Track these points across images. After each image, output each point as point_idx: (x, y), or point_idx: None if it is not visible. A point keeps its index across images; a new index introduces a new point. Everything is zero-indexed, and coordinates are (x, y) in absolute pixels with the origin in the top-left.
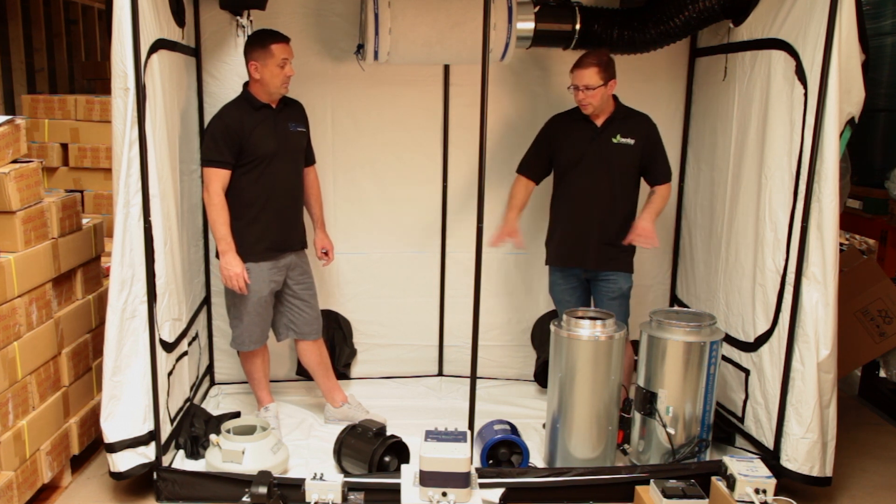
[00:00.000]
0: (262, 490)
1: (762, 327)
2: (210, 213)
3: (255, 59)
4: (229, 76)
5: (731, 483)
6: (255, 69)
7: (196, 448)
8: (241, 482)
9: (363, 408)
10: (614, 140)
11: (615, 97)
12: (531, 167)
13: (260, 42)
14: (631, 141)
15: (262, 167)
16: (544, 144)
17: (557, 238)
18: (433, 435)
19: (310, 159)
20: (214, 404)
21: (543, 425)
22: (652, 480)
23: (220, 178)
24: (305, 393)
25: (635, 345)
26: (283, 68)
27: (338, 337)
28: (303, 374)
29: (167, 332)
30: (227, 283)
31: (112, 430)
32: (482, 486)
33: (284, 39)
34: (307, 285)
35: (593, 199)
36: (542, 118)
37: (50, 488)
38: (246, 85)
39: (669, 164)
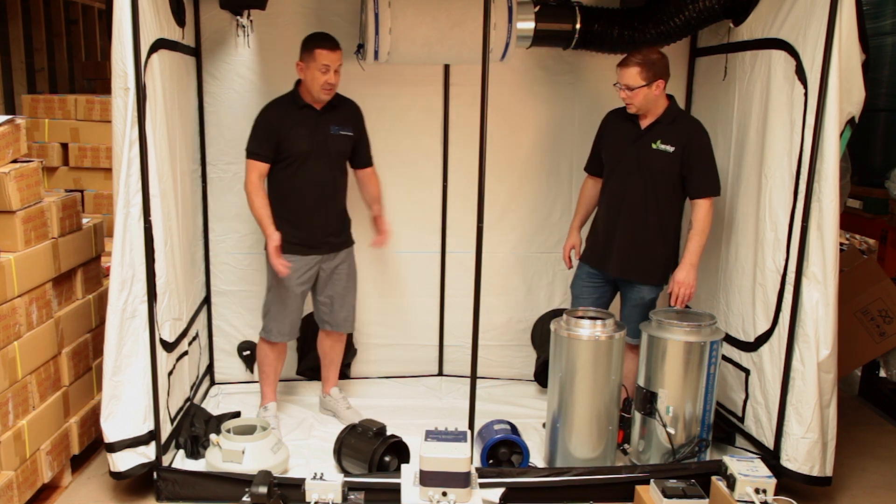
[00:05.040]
0: (262, 490)
1: (762, 327)
2: (248, 201)
3: (301, 59)
4: (229, 76)
5: (731, 483)
6: (300, 70)
7: (196, 448)
8: (241, 482)
9: (345, 403)
10: (654, 146)
11: (670, 98)
12: (591, 164)
13: (307, 44)
14: (670, 148)
15: (295, 165)
16: (597, 140)
17: (592, 237)
18: (433, 435)
19: (364, 161)
20: (214, 404)
21: (543, 425)
22: (652, 480)
23: (256, 168)
24: (306, 392)
25: None
26: (324, 73)
27: None
28: (303, 373)
29: (167, 332)
30: (271, 263)
31: (112, 430)
32: (482, 485)
33: (331, 46)
34: (335, 287)
35: (624, 204)
36: (543, 118)
37: (50, 488)
38: (298, 82)
39: (716, 178)
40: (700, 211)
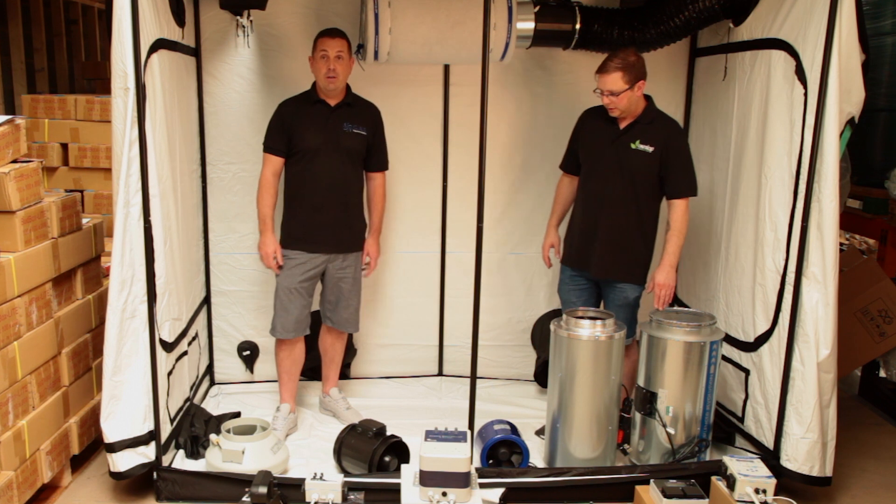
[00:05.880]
0: (262, 490)
1: (762, 327)
2: (257, 194)
3: (311, 52)
4: (229, 76)
5: (731, 483)
6: (310, 63)
7: (196, 448)
8: (241, 482)
9: (345, 403)
10: (633, 146)
11: (648, 97)
12: (567, 162)
13: (316, 36)
14: (650, 148)
15: (305, 160)
16: (573, 139)
17: (569, 238)
18: (433, 435)
19: (375, 165)
20: (214, 404)
21: (536, 432)
22: (652, 480)
23: (270, 162)
24: (306, 392)
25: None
26: (324, 61)
27: None
28: (303, 373)
29: (167, 332)
30: (262, 262)
31: (112, 430)
32: (482, 485)
33: (331, 34)
34: (341, 288)
35: (603, 204)
36: (543, 118)
37: (50, 488)
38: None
39: (693, 178)
40: (678, 211)
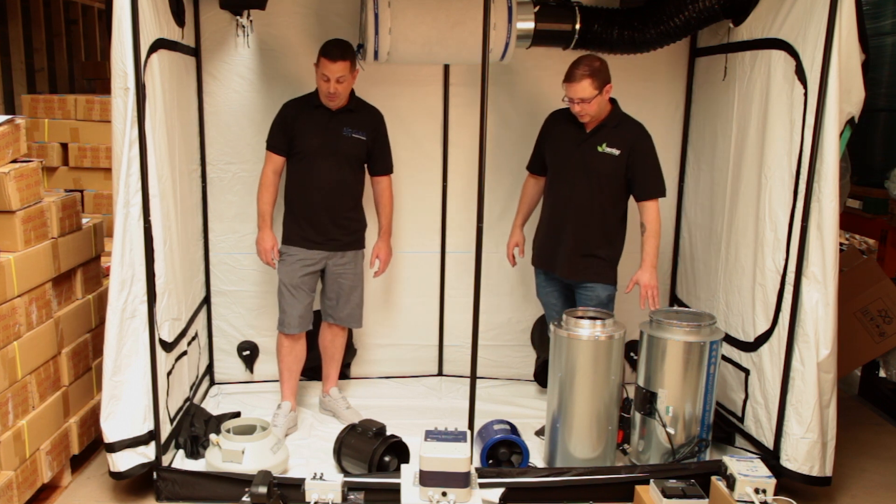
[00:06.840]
0: (262, 490)
1: (762, 327)
2: (257, 191)
3: (316, 60)
4: (229, 76)
5: (731, 483)
6: (315, 68)
7: (196, 448)
8: (241, 482)
9: (345, 403)
10: (599, 149)
11: (613, 101)
12: (534, 163)
13: (320, 50)
14: (616, 151)
15: (305, 161)
16: (540, 140)
17: (537, 240)
18: (433, 435)
19: (379, 169)
20: (214, 404)
21: (536, 433)
22: (652, 480)
23: (271, 160)
24: (306, 392)
25: (626, 345)
26: (325, 82)
27: None
28: (303, 373)
29: (167, 332)
30: (259, 257)
31: (112, 430)
32: (482, 485)
33: (332, 56)
34: (341, 284)
35: (570, 207)
36: (542, 118)
37: (50, 488)
38: None
39: (662, 179)
40: (650, 213)
